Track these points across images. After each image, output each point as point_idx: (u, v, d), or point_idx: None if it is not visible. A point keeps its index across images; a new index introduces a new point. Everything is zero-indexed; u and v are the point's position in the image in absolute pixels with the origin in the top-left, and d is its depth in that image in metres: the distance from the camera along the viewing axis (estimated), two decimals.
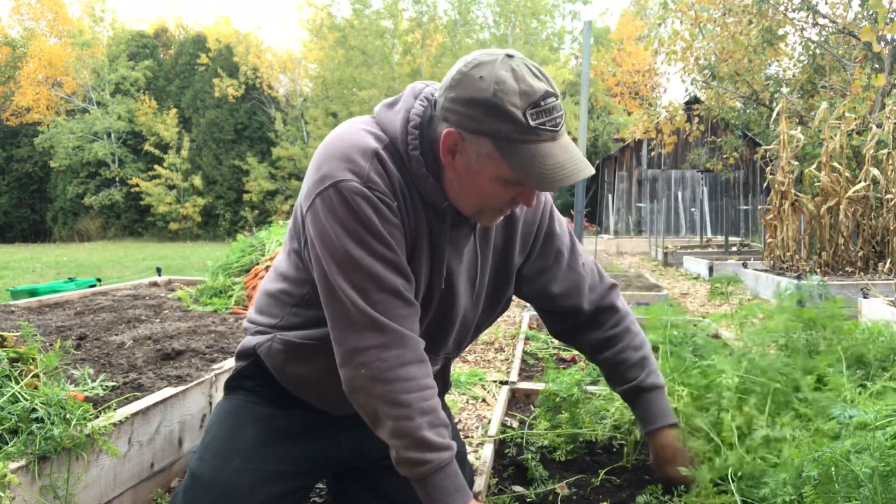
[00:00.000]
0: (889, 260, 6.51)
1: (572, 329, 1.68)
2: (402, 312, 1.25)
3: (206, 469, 1.37)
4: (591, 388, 2.07)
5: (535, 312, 4.54)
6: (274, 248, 4.23)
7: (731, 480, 1.33)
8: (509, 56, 1.20)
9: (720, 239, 14.76)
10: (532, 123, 1.16)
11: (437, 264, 1.37)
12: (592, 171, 1.23)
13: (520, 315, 5.35)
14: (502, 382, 3.03)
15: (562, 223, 1.63)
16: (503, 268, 1.53)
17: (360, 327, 1.23)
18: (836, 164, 6.96)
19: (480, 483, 1.65)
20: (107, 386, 1.92)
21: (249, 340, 1.50)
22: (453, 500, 1.21)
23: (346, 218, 1.22)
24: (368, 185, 1.23)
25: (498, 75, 1.16)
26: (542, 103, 1.17)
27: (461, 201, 1.30)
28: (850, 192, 6.72)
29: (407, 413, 1.21)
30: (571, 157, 1.20)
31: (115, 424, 1.63)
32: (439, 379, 1.57)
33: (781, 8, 12.13)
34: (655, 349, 2.93)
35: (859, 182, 6.79)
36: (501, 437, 2.01)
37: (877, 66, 10.71)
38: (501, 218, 1.35)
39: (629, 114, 29.99)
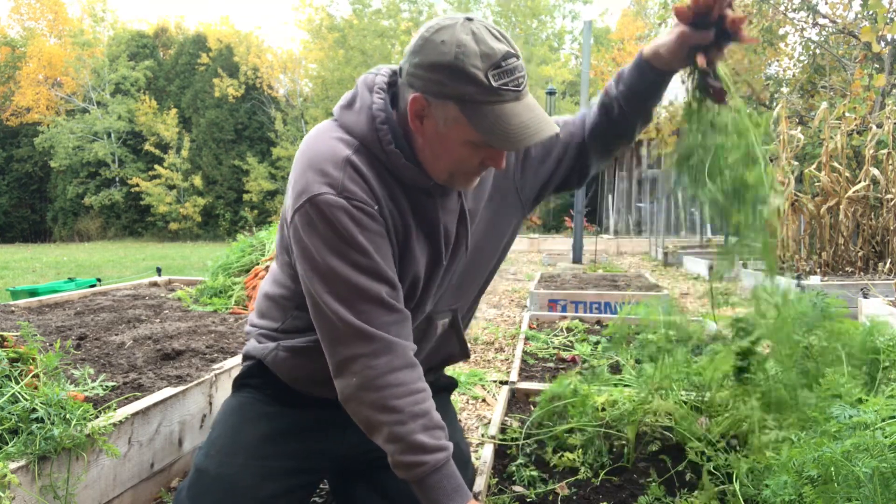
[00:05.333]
0: (889, 260, 6.51)
1: (596, 136, 1.54)
2: (387, 320, 1.25)
3: (210, 465, 1.38)
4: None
5: (535, 312, 4.55)
6: (273, 247, 4.23)
7: (733, 479, 1.33)
8: (469, 19, 1.21)
9: (720, 239, 14.72)
10: (494, 84, 1.16)
11: (441, 240, 1.37)
12: (556, 128, 1.23)
13: (520, 315, 5.35)
14: (502, 382, 3.03)
15: None
16: (507, 196, 1.52)
17: (348, 338, 1.23)
18: (836, 164, 6.96)
19: (480, 483, 1.65)
20: (107, 386, 1.92)
21: (255, 349, 1.52)
22: (451, 500, 1.21)
23: (325, 232, 1.22)
24: (344, 195, 1.22)
25: (459, 38, 1.16)
26: (503, 64, 1.17)
27: (433, 167, 1.29)
28: (850, 192, 6.72)
29: (399, 418, 1.21)
30: (536, 115, 1.20)
31: (115, 424, 1.63)
32: (455, 339, 1.59)
33: (781, 8, 12.12)
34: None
35: (859, 182, 6.79)
36: (501, 437, 2.01)
37: (877, 66, 10.70)
38: (475, 182, 1.33)
39: None
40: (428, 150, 1.27)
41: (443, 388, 1.72)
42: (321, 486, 1.94)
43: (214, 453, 1.40)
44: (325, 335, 1.27)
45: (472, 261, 1.48)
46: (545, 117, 1.21)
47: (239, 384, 1.57)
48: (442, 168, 1.28)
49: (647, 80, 1.40)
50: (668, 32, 1.35)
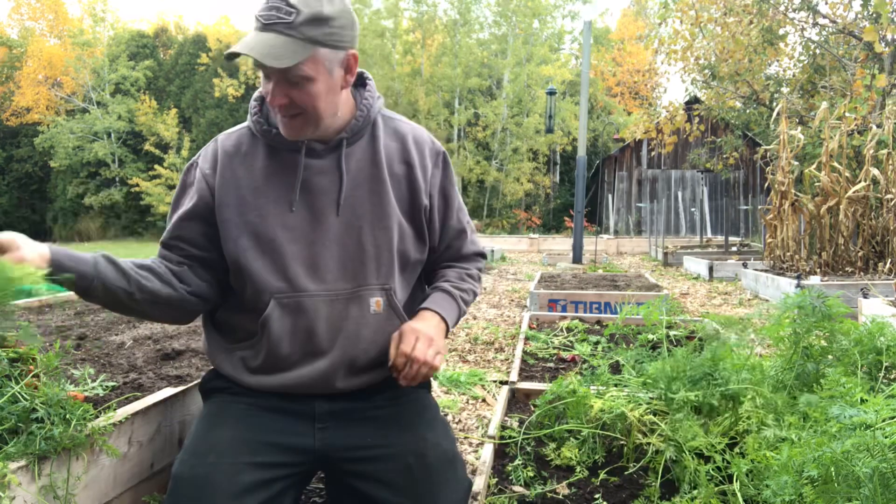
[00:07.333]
0: (889, 260, 6.51)
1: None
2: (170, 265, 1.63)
3: (184, 469, 1.40)
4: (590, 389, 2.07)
5: (535, 312, 4.55)
6: None
7: (733, 480, 1.33)
8: None
9: (720, 239, 14.77)
10: (256, 13, 1.38)
11: (295, 187, 1.51)
12: (261, 54, 1.33)
13: (520, 315, 5.35)
14: (502, 382, 3.03)
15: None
16: (413, 195, 1.58)
17: None
18: (836, 164, 6.96)
19: (480, 483, 1.64)
20: (107, 386, 1.92)
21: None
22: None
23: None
24: (196, 161, 1.61)
25: None
26: (270, 1, 1.35)
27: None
28: (850, 192, 6.72)
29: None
30: (261, 42, 1.35)
31: (115, 424, 1.63)
32: (398, 322, 1.55)
33: (781, 8, 12.13)
34: (655, 348, 2.94)
35: (859, 182, 6.79)
36: (501, 436, 2.02)
37: (877, 66, 10.71)
38: (293, 130, 1.48)
39: (629, 114, 29.99)
40: None
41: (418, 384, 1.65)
42: (320, 485, 1.94)
43: (187, 457, 1.42)
44: None
45: (367, 231, 1.51)
46: (268, 49, 1.34)
47: (204, 390, 1.63)
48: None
49: None
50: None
